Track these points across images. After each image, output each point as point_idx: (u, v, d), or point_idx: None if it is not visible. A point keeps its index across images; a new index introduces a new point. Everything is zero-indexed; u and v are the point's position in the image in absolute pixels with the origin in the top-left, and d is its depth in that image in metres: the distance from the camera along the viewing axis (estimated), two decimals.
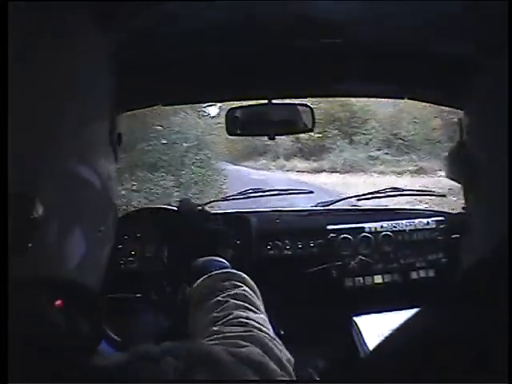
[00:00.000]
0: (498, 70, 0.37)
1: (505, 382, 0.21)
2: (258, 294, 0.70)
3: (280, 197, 1.80)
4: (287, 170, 14.31)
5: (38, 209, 0.32)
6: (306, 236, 1.42)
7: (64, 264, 0.36)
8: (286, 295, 1.31)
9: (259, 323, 0.58)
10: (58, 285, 0.35)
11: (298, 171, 13.71)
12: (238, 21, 0.77)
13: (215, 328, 0.56)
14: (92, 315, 0.41)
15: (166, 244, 1.25)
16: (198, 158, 8.32)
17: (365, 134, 12.84)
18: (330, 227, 1.42)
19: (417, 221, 1.44)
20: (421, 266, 1.40)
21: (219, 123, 8.82)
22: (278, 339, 0.55)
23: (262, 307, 0.66)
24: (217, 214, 1.48)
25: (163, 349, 0.36)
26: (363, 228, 1.42)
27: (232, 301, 0.63)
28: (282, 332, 1.19)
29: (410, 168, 10.62)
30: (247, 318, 0.58)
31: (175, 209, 1.25)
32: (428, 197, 3.26)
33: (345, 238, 1.40)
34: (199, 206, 0.98)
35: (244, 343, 0.48)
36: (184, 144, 7.98)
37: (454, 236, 1.39)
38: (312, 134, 13.94)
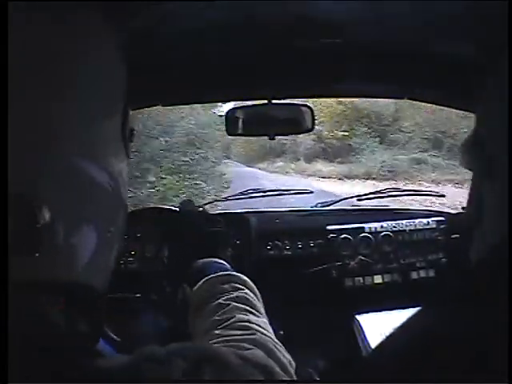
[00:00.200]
0: (498, 70, 0.37)
1: (505, 382, 0.21)
2: (259, 296, 0.70)
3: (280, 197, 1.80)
4: (309, 175, 11.91)
5: (42, 210, 0.32)
6: (306, 236, 1.42)
7: (69, 265, 0.35)
8: (286, 295, 1.31)
9: (261, 326, 0.57)
10: (61, 286, 0.35)
11: (321, 177, 11.14)
12: (238, 21, 0.77)
13: (217, 331, 0.56)
14: (93, 315, 0.40)
15: (167, 244, 1.25)
16: (193, 158, 7.99)
17: (403, 132, 10.78)
18: (329, 227, 1.42)
19: (417, 221, 1.44)
20: (421, 266, 1.40)
21: None
22: (279, 343, 0.55)
23: (262, 310, 0.66)
24: (216, 214, 1.48)
25: (169, 350, 0.35)
26: (363, 228, 1.42)
27: (233, 304, 0.63)
28: (282, 332, 1.19)
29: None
30: (249, 321, 0.58)
31: (176, 209, 1.25)
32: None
33: (345, 238, 1.40)
34: (200, 206, 0.98)
35: (248, 346, 0.48)
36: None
37: (453, 236, 1.39)
38: (337, 131, 12.76)
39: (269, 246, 1.41)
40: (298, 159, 13.43)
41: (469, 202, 0.44)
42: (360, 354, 1.27)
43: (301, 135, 11.62)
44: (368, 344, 1.26)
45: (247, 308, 0.62)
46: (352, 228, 1.42)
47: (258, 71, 0.99)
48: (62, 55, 0.34)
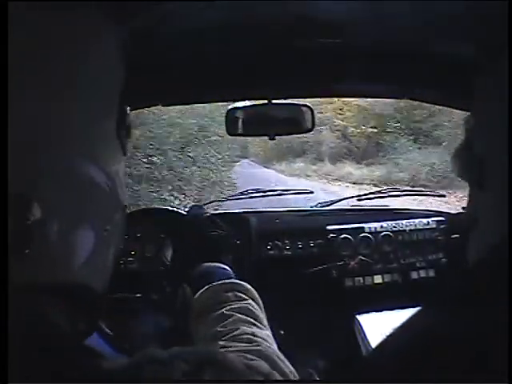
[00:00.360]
0: (498, 70, 0.37)
1: (505, 382, 0.21)
2: (261, 305, 0.69)
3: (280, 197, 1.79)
4: (335, 179, 9.29)
5: (38, 209, 0.32)
6: (306, 236, 1.42)
7: (66, 264, 0.35)
8: (286, 295, 1.31)
9: (265, 339, 0.57)
10: (59, 285, 0.35)
11: (352, 182, 8.69)
12: (238, 21, 0.77)
13: (221, 342, 0.56)
14: (92, 315, 0.40)
15: (170, 245, 1.26)
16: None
17: (439, 128, 8.99)
18: (329, 227, 1.42)
19: (417, 221, 1.44)
20: (421, 266, 1.40)
21: None
22: (282, 355, 0.55)
23: (265, 321, 0.65)
24: (217, 214, 1.48)
25: (171, 353, 0.35)
26: (363, 228, 1.42)
27: (237, 315, 0.62)
28: (282, 332, 1.19)
29: None
30: (253, 334, 0.58)
31: (177, 211, 1.25)
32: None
33: (345, 238, 1.40)
34: (207, 213, 0.99)
35: (252, 357, 0.48)
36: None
37: (453, 236, 1.39)
38: (364, 126, 10.71)
39: (269, 245, 1.41)
40: (321, 160, 11.35)
41: (469, 202, 0.44)
42: (360, 354, 1.27)
43: (323, 132, 10.80)
44: (368, 344, 1.26)
45: (251, 320, 0.62)
46: (352, 228, 1.42)
47: (258, 71, 0.99)
48: (61, 55, 0.34)
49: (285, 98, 1.18)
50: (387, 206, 1.65)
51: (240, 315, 0.62)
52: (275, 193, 1.77)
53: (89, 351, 0.35)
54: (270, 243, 1.41)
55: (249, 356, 0.48)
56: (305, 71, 1.00)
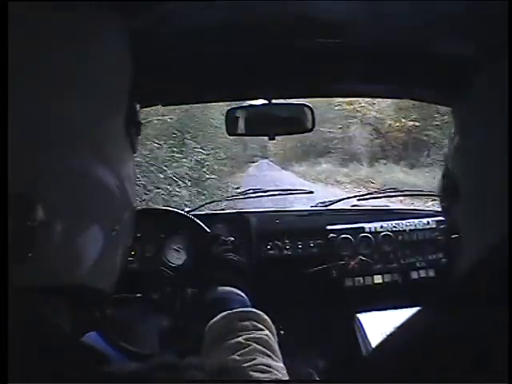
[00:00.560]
0: (498, 70, 0.37)
1: (505, 382, 0.21)
2: (275, 335, 0.68)
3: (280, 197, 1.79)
4: (384, 192, 2.94)
5: (40, 210, 0.32)
6: (306, 236, 1.42)
7: (71, 266, 0.35)
8: (286, 295, 1.31)
9: (279, 371, 0.57)
10: (64, 285, 0.35)
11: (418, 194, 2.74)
12: (238, 21, 0.77)
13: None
14: (95, 315, 0.40)
15: (174, 246, 1.27)
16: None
17: None
18: (329, 227, 1.42)
19: (417, 221, 1.44)
20: (421, 266, 1.40)
21: None
22: None
23: (279, 353, 0.65)
24: (216, 214, 1.48)
25: (184, 362, 0.35)
26: (363, 228, 1.42)
27: (254, 345, 0.61)
28: (282, 332, 1.19)
29: None
30: (269, 365, 0.57)
31: (206, 229, 1.25)
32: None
33: (345, 238, 1.40)
34: (231, 236, 0.98)
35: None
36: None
37: (453, 236, 1.39)
38: (403, 119, 8.40)
39: (269, 246, 1.41)
40: (351, 161, 9.04)
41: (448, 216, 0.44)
42: (360, 354, 1.27)
43: (353, 126, 9.31)
44: (368, 344, 1.26)
45: (267, 352, 0.61)
46: (352, 228, 1.42)
47: (258, 71, 0.99)
48: (61, 55, 0.34)
49: (285, 98, 1.18)
50: (387, 206, 1.65)
51: (257, 345, 0.61)
52: (275, 193, 1.77)
53: (89, 351, 0.35)
54: (270, 243, 1.41)
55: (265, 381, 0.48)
56: (305, 71, 0.99)
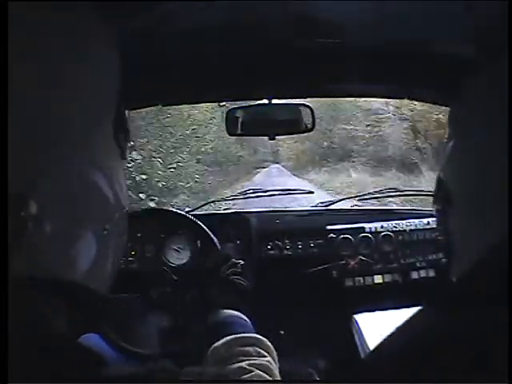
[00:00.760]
0: (498, 70, 0.37)
1: (505, 382, 0.21)
2: (276, 361, 0.68)
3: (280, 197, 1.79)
4: None
5: (35, 208, 0.32)
6: (306, 236, 1.42)
7: (65, 264, 0.35)
8: (286, 295, 1.31)
9: None
10: (58, 284, 0.35)
11: None
12: (238, 21, 0.77)
13: None
14: (92, 315, 0.40)
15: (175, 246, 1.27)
16: None
17: None
18: (329, 227, 1.42)
19: (417, 221, 1.44)
20: (421, 265, 1.40)
21: None
22: None
23: (279, 378, 0.65)
24: (216, 214, 1.48)
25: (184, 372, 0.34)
26: (363, 228, 1.42)
27: (257, 371, 0.61)
28: (282, 332, 1.19)
29: None
30: None
31: (217, 245, 1.25)
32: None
33: (345, 237, 1.40)
34: (240, 259, 0.98)
35: None
36: None
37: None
38: (437, 115, 7.05)
39: (269, 245, 1.41)
40: (379, 167, 6.87)
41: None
42: (360, 354, 1.27)
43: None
44: (368, 344, 1.26)
45: (269, 378, 0.61)
46: (352, 228, 1.42)
47: (258, 71, 0.99)
48: (60, 55, 0.34)
49: (285, 98, 1.18)
50: (387, 206, 1.65)
51: (260, 372, 0.61)
52: (275, 193, 1.77)
53: (89, 351, 0.35)
54: (270, 243, 1.41)
55: None
56: (305, 71, 1.00)
